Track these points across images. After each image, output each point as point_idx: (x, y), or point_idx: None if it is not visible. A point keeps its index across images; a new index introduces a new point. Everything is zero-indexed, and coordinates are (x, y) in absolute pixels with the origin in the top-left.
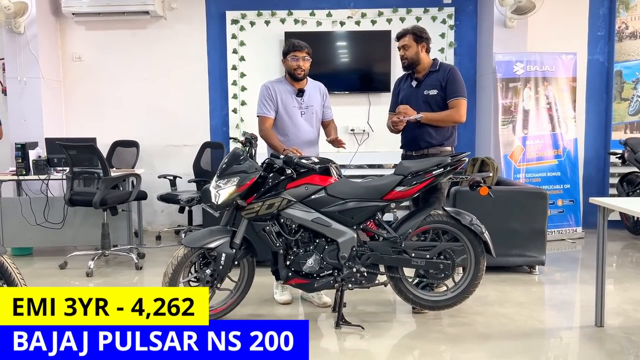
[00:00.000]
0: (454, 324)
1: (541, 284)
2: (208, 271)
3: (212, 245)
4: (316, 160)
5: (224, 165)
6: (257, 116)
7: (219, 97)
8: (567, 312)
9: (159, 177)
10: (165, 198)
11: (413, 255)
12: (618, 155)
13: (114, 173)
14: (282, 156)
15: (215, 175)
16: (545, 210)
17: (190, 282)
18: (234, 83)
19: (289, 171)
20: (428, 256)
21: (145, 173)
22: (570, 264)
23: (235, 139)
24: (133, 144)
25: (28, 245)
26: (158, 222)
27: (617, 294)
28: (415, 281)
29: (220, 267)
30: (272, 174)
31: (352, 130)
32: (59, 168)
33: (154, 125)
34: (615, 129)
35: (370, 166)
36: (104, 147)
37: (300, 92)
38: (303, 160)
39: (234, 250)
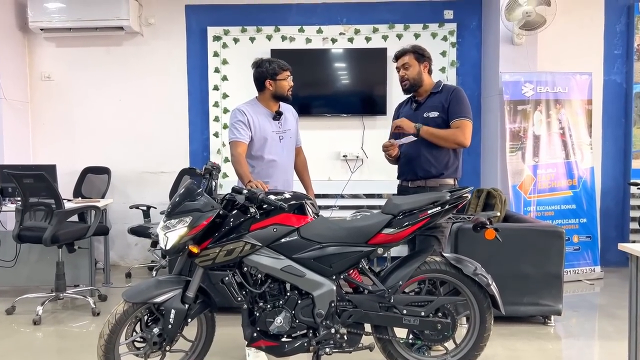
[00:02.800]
0: None
1: (558, 338)
2: (156, 330)
3: (158, 299)
4: (287, 196)
5: (175, 201)
6: (230, 142)
7: (199, 119)
8: None
9: (131, 207)
10: (136, 231)
11: (405, 312)
12: (639, 186)
13: (73, 204)
14: (244, 191)
15: (165, 214)
16: (561, 251)
17: (135, 343)
18: (216, 104)
19: (252, 210)
20: (423, 313)
21: (117, 202)
22: (590, 311)
23: (193, 169)
24: (104, 171)
25: None
26: (131, 256)
27: None
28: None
29: (170, 326)
30: (233, 213)
31: (344, 156)
32: (16, 198)
33: (128, 150)
34: (635, 157)
35: (368, 196)
36: (74, 174)
37: (278, 115)
38: (270, 197)
39: (187, 306)
